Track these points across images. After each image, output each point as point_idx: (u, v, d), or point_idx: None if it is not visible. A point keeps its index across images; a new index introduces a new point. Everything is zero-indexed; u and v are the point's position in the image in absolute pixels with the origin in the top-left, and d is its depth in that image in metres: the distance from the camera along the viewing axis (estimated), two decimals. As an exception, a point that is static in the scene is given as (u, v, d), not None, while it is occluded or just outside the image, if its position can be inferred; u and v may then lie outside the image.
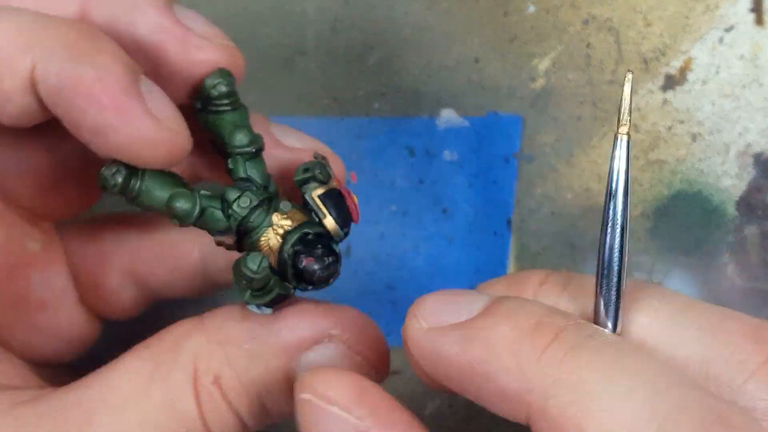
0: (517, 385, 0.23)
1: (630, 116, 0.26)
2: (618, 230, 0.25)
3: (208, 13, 0.43)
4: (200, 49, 0.29)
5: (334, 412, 0.24)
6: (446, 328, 0.25)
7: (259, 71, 0.43)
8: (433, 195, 0.43)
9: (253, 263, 0.26)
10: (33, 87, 0.26)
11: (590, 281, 0.27)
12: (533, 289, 0.28)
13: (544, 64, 0.42)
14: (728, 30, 0.41)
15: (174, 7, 0.30)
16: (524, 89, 0.42)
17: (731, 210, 0.41)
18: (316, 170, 0.29)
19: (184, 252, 0.34)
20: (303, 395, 0.24)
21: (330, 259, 0.28)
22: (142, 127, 0.26)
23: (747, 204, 0.41)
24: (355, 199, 0.30)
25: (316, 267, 0.27)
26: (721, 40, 0.41)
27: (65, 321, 0.35)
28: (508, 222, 0.43)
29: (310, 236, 0.28)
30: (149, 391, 0.26)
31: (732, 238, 0.41)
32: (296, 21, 0.43)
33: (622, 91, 0.26)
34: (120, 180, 0.27)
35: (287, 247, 0.28)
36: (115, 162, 0.27)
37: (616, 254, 0.26)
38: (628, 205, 0.26)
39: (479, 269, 0.43)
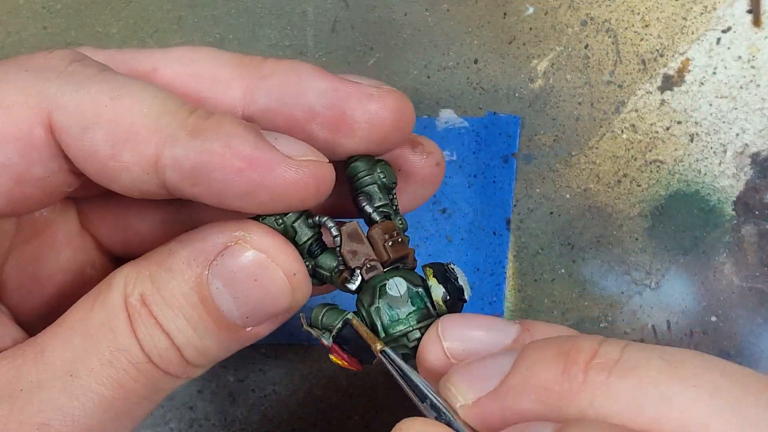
0: None
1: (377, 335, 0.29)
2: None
3: (209, 13, 0.44)
4: (372, 98, 0.30)
5: None
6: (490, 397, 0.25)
7: (260, 72, 0.43)
8: (433, 195, 0.43)
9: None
10: (156, 170, 0.27)
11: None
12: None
13: (542, 65, 0.42)
14: (725, 31, 0.41)
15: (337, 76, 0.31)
16: (523, 90, 0.42)
17: (728, 210, 0.42)
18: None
19: None
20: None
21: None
22: (285, 170, 0.27)
23: (744, 204, 0.42)
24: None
25: None
26: (718, 41, 0.41)
27: None
28: (507, 222, 0.43)
29: None
30: (90, 315, 0.28)
31: (729, 237, 0.42)
32: (296, 22, 0.43)
33: None
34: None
35: None
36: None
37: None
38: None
39: (478, 268, 0.43)
